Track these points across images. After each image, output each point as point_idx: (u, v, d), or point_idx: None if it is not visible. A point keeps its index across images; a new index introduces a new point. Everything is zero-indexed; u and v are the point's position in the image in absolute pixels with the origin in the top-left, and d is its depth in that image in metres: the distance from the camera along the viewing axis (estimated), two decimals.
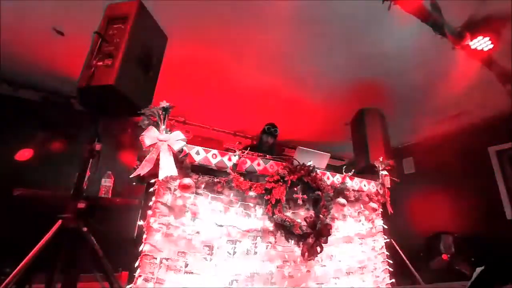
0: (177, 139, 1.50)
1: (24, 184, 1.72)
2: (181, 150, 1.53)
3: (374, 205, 2.25)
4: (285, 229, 1.73)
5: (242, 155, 1.75)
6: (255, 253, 1.64)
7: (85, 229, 1.44)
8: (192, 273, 1.42)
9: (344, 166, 2.25)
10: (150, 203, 1.44)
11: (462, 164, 4.35)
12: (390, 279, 2.14)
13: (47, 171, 3.49)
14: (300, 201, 1.86)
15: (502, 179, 3.94)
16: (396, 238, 2.49)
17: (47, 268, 1.40)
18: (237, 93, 3.94)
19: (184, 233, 1.46)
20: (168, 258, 1.39)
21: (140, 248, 1.37)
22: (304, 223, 1.78)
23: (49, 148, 3.83)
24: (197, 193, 1.56)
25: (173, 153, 1.47)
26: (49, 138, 3.85)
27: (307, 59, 3.14)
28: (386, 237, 2.28)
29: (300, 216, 1.85)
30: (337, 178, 2.13)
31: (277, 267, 1.67)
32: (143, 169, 1.41)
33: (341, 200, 2.04)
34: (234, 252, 1.58)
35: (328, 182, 2.03)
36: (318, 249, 1.73)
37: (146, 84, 1.79)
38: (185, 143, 1.53)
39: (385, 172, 2.40)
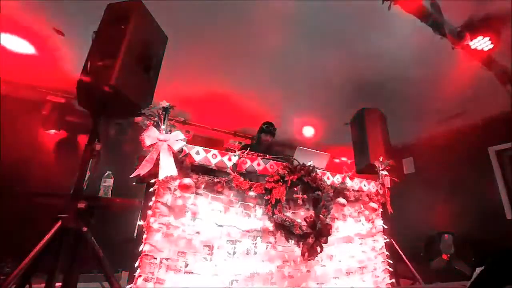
0: (177, 139, 1.50)
1: (24, 184, 1.72)
2: (181, 150, 1.53)
3: (374, 205, 2.25)
4: (285, 229, 1.73)
5: (242, 155, 1.75)
6: (255, 253, 1.64)
7: (85, 229, 1.44)
8: (192, 273, 1.42)
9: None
10: (150, 203, 1.44)
11: (462, 164, 4.34)
12: (390, 279, 2.14)
13: (47, 171, 3.49)
14: (300, 201, 1.86)
15: (502, 179, 3.93)
16: (396, 238, 2.49)
17: (47, 268, 1.40)
18: (237, 93, 3.94)
19: (184, 233, 1.46)
20: (168, 258, 1.39)
21: (140, 248, 1.37)
22: (304, 223, 1.78)
23: (49, 148, 3.83)
24: (197, 193, 1.56)
25: (173, 153, 1.47)
26: (49, 138, 3.86)
27: (307, 60, 3.14)
28: (386, 237, 2.28)
29: (300, 216, 1.85)
30: (337, 178, 2.13)
31: (277, 267, 1.67)
32: (143, 169, 1.41)
33: (341, 200, 2.04)
34: (234, 252, 1.58)
35: (328, 182, 2.03)
36: (318, 249, 1.73)
37: (146, 84, 1.79)
38: (185, 143, 1.54)
39: (385, 172, 2.40)
